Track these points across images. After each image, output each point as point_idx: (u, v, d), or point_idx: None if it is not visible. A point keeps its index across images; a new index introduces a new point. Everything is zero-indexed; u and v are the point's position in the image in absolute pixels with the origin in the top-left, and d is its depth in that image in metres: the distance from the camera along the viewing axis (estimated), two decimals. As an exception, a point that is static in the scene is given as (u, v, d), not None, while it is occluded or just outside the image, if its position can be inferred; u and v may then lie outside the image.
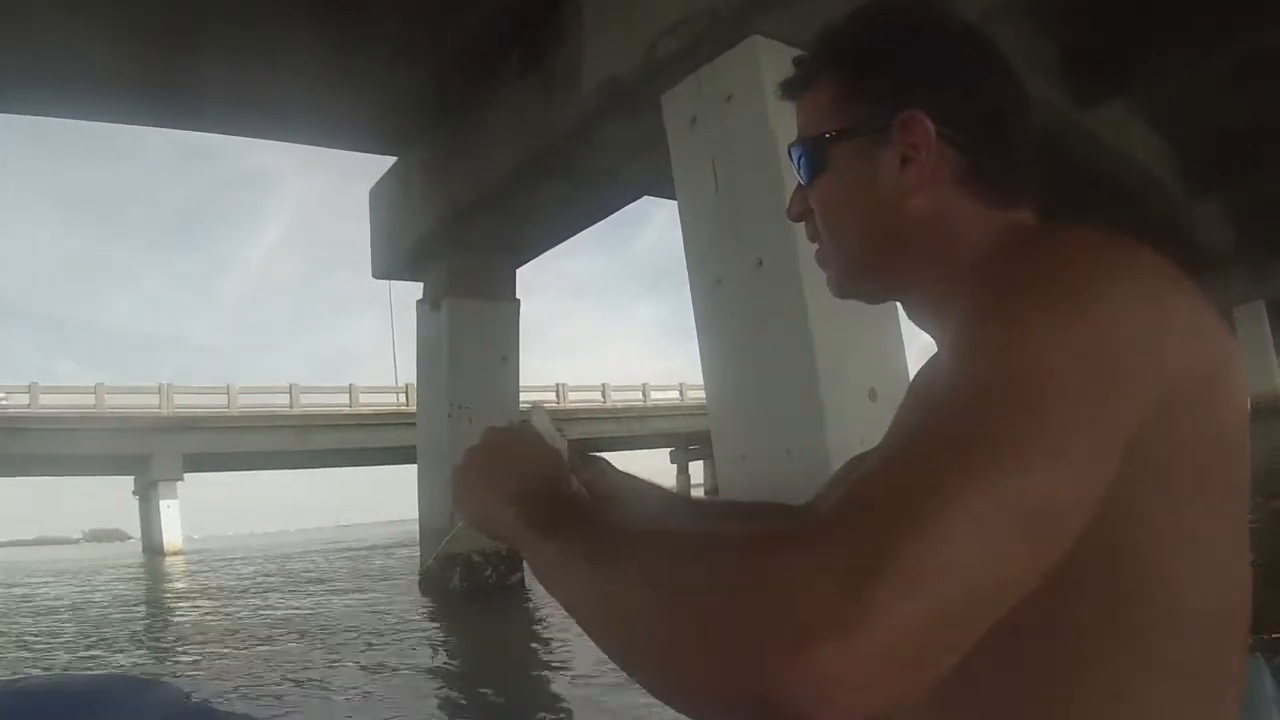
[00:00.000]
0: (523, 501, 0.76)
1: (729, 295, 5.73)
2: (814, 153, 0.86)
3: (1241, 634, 0.70)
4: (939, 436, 0.58)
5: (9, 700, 0.92)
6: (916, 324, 0.89)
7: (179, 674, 7.41)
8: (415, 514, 11.48)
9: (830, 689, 0.48)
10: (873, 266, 0.86)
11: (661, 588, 0.58)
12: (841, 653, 0.48)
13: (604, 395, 46.09)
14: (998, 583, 0.54)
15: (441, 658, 7.54)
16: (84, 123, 10.13)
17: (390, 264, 11.57)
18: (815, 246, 0.91)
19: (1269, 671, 0.86)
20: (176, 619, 12.29)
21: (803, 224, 0.91)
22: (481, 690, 6.34)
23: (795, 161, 0.88)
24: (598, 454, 1.03)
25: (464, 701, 6.01)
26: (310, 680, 6.70)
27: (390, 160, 11.14)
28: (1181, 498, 0.65)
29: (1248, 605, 0.70)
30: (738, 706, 0.51)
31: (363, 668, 7.00)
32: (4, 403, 32.81)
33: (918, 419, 0.61)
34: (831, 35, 0.87)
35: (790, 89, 0.90)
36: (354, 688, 6.31)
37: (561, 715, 5.41)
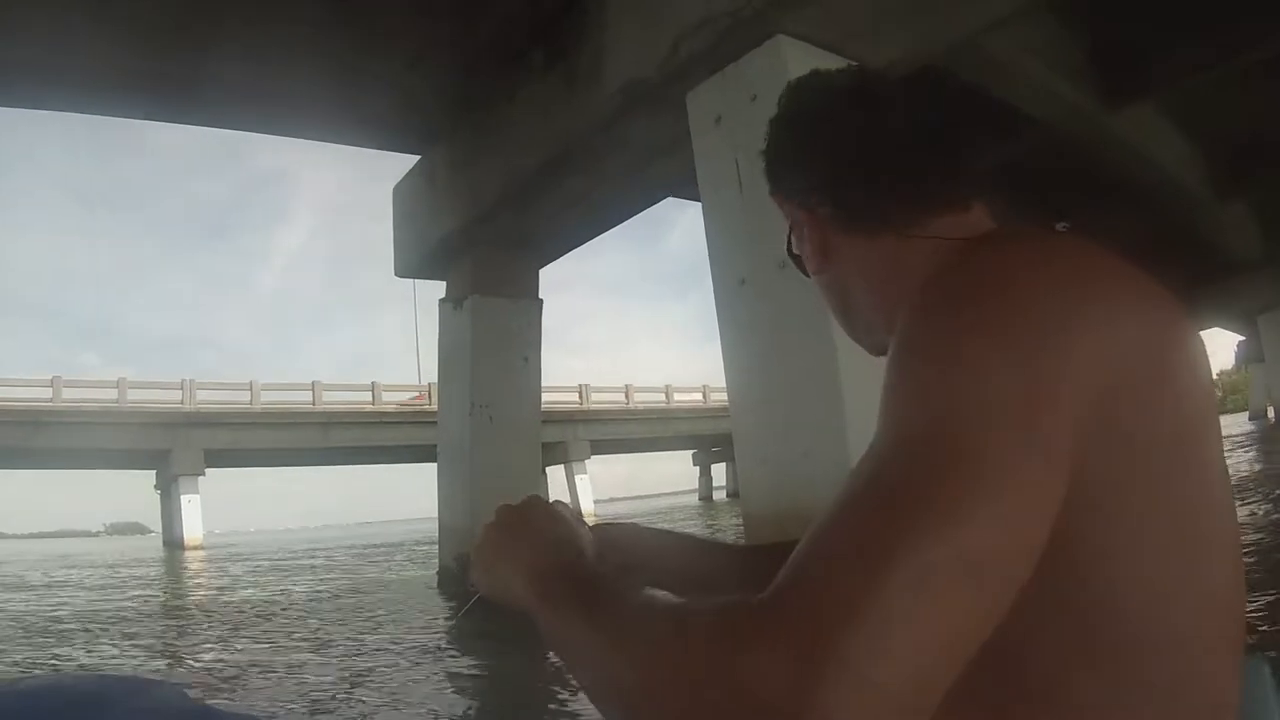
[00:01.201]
0: (534, 575, 0.76)
1: (752, 296, 5.70)
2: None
3: (1228, 643, 0.66)
4: (872, 500, 0.56)
5: (9, 700, 0.91)
6: None
7: (180, 674, 7.42)
8: (434, 512, 11.48)
9: None
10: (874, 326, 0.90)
11: (637, 679, 0.57)
12: None
13: (627, 397, 46.22)
14: (957, 639, 0.52)
15: (451, 653, 7.53)
16: (107, 119, 10.21)
17: (413, 262, 11.59)
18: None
19: (1269, 672, 0.82)
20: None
21: None
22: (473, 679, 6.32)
23: None
24: (618, 521, 1.05)
25: (465, 697, 6.00)
26: (313, 677, 6.70)
27: (413, 158, 11.14)
28: (1129, 508, 0.61)
29: (1234, 613, 0.67)
30: None
31: (381, 667, 6.99)
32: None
33: (852, 474, 0.59)
34: None
35: None
36: (360, 688, 6.29)
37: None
